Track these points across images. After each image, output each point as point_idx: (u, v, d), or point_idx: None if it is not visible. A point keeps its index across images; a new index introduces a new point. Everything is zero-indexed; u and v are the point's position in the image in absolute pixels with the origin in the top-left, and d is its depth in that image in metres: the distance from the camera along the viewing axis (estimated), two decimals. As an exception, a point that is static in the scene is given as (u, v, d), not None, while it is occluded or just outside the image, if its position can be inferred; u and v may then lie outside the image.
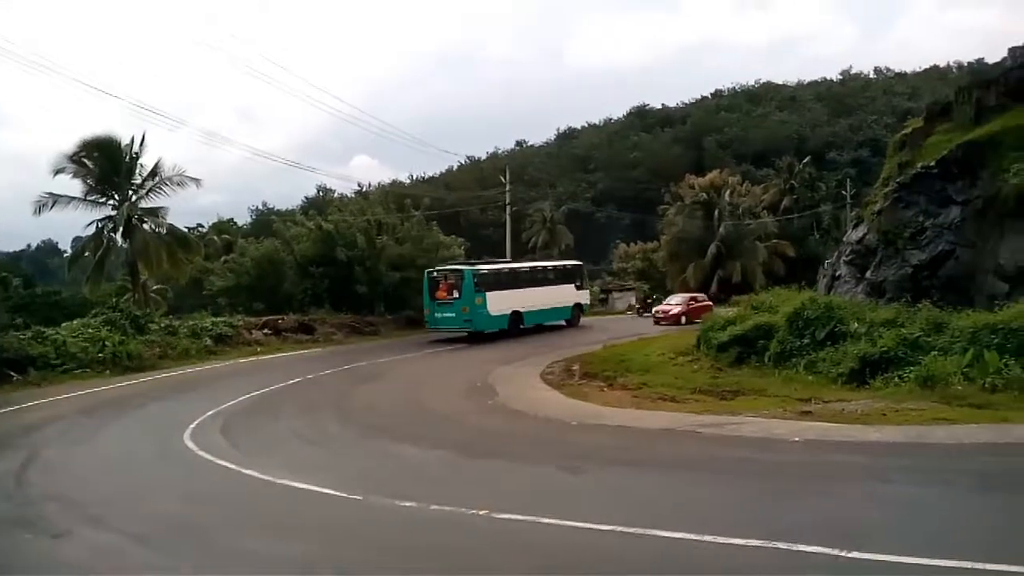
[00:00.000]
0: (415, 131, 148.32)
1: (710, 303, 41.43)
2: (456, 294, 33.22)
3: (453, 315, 33.15)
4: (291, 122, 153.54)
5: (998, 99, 21.77)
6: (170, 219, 37.43)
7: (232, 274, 42.64)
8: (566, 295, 37.78)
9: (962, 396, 14.27)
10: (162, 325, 31.05)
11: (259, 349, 31.68)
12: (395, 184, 74.44)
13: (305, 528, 8.87)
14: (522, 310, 35.18)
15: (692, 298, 42.01)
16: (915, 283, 21.10)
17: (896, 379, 16.15)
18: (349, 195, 55.60)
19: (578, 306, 37.73)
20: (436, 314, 33.77)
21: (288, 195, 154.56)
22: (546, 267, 40.85)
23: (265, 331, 34.12)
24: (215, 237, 62.99)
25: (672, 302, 41.63)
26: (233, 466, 12.14)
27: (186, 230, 44.21)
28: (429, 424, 16.05)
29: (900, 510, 8.20)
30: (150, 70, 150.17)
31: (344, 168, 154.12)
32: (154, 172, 35.90)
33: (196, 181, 36.87)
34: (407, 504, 9.32)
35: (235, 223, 78.81)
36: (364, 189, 53.46)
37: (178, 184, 36.17)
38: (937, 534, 7.24)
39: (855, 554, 6.57)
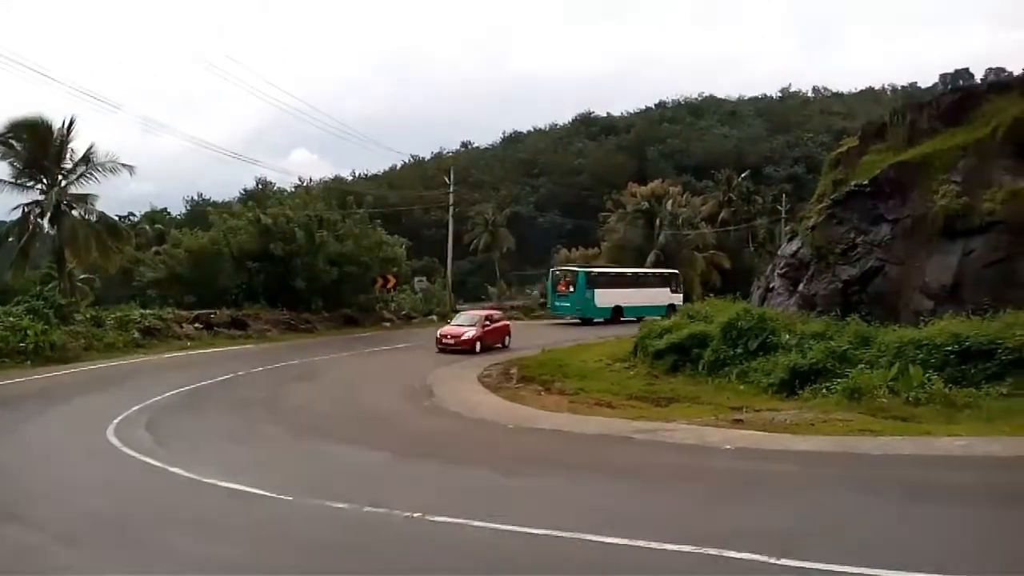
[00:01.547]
0: (359, 128, 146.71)
1: (507, 322, 33.04)
2: (572, 289, 43.24)
3: (568, 304, 43.19)
4: (229, 113, 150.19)
5: (930, 122, 22.51)
6: (100, 207, 36.17)
7: (164, 265, 41.46)
8: (661, 296, 45.56)
9: (887, 409, 14.70)
10: (88, 316, 30.01)
11: (189, 344, 30.87)
12: (337, 180, 73.64)
13: (233, 528, 8.61)
14: (623, 305, 43.72)
15: (487, 316, 31.80)
16: (845, 297, 21.71)
17: (824, 390, 16.59)
18: (290, 189, 54.68)
19: (671, 306, 42.40)
20: (556, 303, 43.89)
21: (225, 187, 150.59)
22: (646, 273, 50.93)
23: (196, 325, 33.28)
24: (147, 227, 61.20)
25: (462, 321, 31.51)
26: (159, 464, 11.75)
27: (117, 218, 42.78)
28: (364, 425, 15.86)
29: (828, 519, 8.36)
30: (87, 54, 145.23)
31: (283, 162, 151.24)
32: (86, 157, 34.61)
33: (130, 168, 35.71)
34: (340, 505, 9.14)
35: (169, 213, 76.86)
36: (306, 183, 52.63)
37: (111, 170, 34.94)
38: (864, 543, 7.39)
39: (784, 561, 6.68)
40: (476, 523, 8.18)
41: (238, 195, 76.15)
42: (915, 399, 14.88)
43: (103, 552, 7.95)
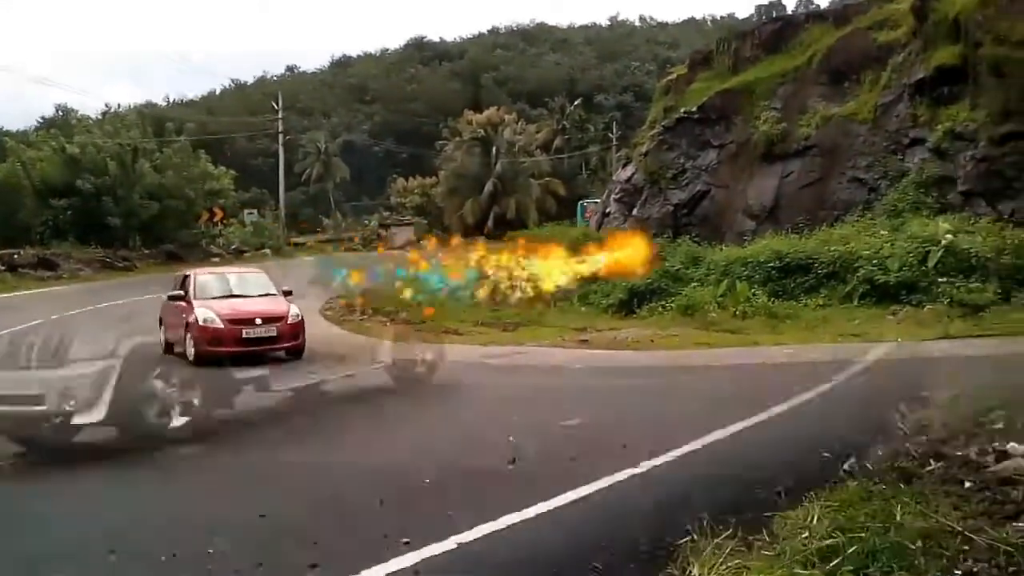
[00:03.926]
0: (170, 49, 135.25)
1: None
2: None
3: None
4: (19, 32, 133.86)
5: (753, 51, 23.64)
6: None
7: (-47, 201, 36.98)
8: None
9: (718, 323, 15.72)
10: None
11: (-10, 287, 27.92)
12: (149, 106, 68.10)
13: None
14: None
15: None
16: (676, 220, 22.77)
17: (660, 308, 17.48)
18: (96, 117, 49.94)
19: None
20: None
21: (19, 115, 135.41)
22: None
23: (-2, 267, 30.15)
24: (-73, 159, 54.16)
25: (243, 290, 13.43)
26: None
27: None
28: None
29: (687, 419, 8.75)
30: None
31: (88, 84, 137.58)
32: None
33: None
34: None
35: (-47, 143, 68.26)
36: (115, 110, 48.25)
37: None
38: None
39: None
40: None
41: (36, 124, 68.79)
42: (742, 313, 15.96)
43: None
